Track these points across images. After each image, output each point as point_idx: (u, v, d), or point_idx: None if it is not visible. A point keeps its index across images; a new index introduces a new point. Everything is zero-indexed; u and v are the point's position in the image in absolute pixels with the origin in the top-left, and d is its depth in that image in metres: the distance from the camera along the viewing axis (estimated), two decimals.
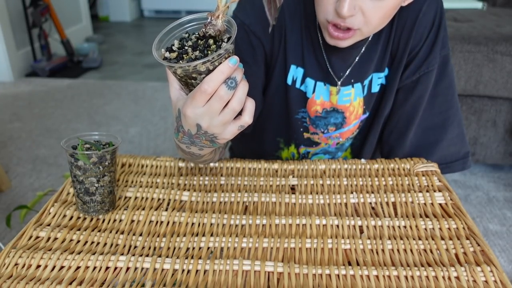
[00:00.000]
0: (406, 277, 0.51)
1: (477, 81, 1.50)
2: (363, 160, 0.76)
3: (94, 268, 0.53)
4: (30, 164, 1.83)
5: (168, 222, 0.62)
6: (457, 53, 1.47)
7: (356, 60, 0.78)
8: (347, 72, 0.79)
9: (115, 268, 0.53)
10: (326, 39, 0.69)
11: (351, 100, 0.82)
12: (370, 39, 0.76)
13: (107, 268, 0.53)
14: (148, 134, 2.12)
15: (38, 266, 0.53)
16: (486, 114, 1.60)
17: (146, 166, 0.76)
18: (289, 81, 0.82)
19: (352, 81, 0.80)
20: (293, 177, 0.73)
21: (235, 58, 0.48)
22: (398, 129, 0.82)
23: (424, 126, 0.81)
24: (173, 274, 0.52)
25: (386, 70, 0.80)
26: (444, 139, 0.80)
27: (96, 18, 4.73)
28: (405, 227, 0.60)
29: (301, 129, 0.88)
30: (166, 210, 0.64)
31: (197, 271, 0.53)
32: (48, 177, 1.74)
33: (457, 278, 0.51)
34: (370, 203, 0.66)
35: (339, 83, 0.79)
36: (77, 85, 2.79)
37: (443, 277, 0.51)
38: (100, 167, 0.59)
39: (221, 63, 0.47)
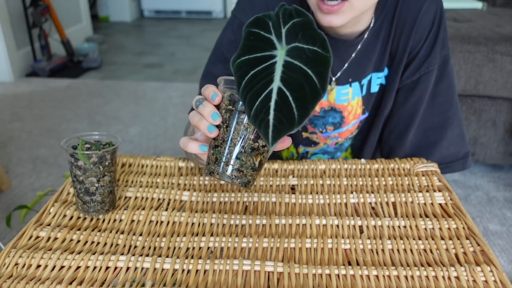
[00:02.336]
0: (406, 277, 0.51)
1: (477, 81, 1.50)
2: (363, 160, 0.76)
3: (94, 268, 0.53)
4: (30, 164, 1.83)
5: (168, 222, 0.62)
6: (457, 53, 1.47)
7: (353, 58, 0.78)
8: (343, 69, 0.79)
9: (115, 268, 0.53)
10: (320, 22, 0.67)
11: (349, 100, 0.82)
12: (366, 36, 0.76)
13: (107, 268, 0.53)
14: (148, 134, 2.12)
15: (38, 266, 0.53)
16: (486, 114, 1.60)
17: (146, 166, 0.76)
18: None
19: (350, 80, 0.80)
20: (293, 177, 0.73)
21: (217, 114, 0.51)
22: (398, 129, 0.82)
23: (424, 126, 0.81)
24: (173, 274, 0.52)
25: (386, 70, 0.80)
26: (444, 139, 0.80)
27: (96, 18, 4.73)
28: (405, 227, 0.60)
29: (300, 129, 0.88)
30: (166, 210, 0.64)
31: (197, 271, 0.53)
32: (48, 177, 1.74)
33: (457, 278, 0.51)
34: (370, 203, 0.66)
35: (333, 79, 0.79)
36: (77, 85, 2.79)
37: (443, 277, 0.51)
38: (100, 167, 0.59)
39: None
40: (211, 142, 0.53)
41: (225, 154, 0.51)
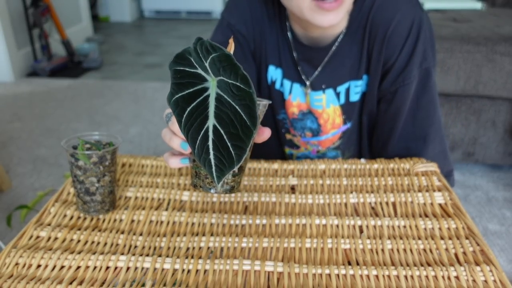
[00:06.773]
0: (406, 277, 0.51)
1: (476, 81, 1.50)
2: (363, 160, 0.76)
3: (95, 268, 0.53)
4: (31, 164, 1.83)
5: (168, 222, 0.62)
6: (456, 53, 1.47)
7: (325, 63, 0.77)
8: (315, 75, 0.78)
9: (115, 268, 0.53)
10: (318, 22, 0.66)
11: (323, 106, 0.81)
12: (338, 41, 0.75)
13: (107, 268, 0.53)
14: (148, 134, 2.12)
15: (39, 266, 0.53)
16: (485, 114, 1.60)
17: (146, 166, 0.76)
18: (269, 81, 0.83)
19: (323, 86, 0.79)
20: (293, 177, 0.73)
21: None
22: (382, 138, 0.82)
23: (406, 139, 0.79)
24: (173, 274, 0.52)
25: (366, 78, 0.79)
26: (425, 155, 0.79)
27: (96, 18, 4.73)
28: (404, 227, 0.61)
29: (283, 130, 0.89)
30: (166, 210, 0.64)
31: (197, 271, 0.53)
32: (49, 177, 1.74)
33: (457, 277, 0.51)
34: (370, 203, 0.66)
35: (308, 84, 0.79)
36: (77, 85, 2.79)
37: (443, 277, 0.51)
38: (101, 167, 0.59)
39: None
40: (190, 156, 0.53)
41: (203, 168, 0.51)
